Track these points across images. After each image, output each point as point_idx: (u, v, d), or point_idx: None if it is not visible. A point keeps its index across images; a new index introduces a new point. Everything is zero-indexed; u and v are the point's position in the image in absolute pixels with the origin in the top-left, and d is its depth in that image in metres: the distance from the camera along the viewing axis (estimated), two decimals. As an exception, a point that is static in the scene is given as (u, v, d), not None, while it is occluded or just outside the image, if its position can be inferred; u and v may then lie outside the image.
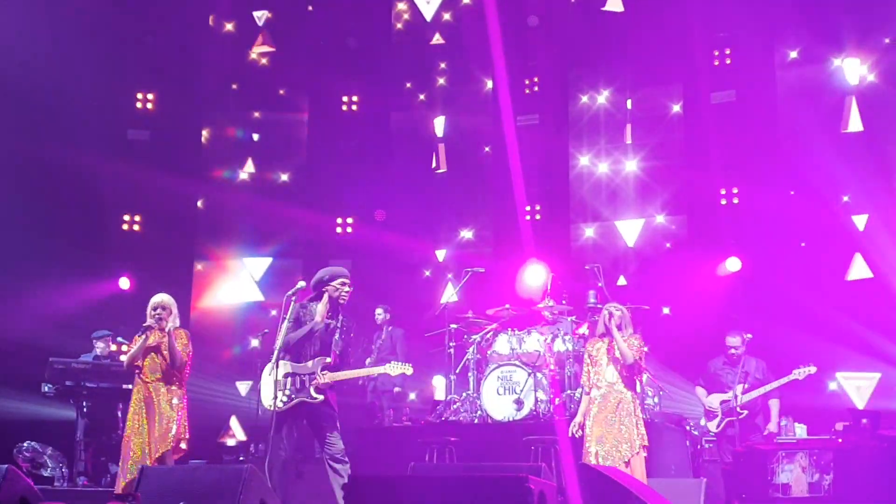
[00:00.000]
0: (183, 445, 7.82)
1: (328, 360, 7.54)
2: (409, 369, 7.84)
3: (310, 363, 7.55)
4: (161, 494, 6.65)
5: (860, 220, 12.59)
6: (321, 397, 7.51)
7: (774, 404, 9.69)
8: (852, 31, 12.78)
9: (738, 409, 9.50)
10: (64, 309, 12.20)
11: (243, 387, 14.27)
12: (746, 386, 9.60)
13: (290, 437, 7.63)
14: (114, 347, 11.14)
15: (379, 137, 14.86)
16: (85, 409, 10.31)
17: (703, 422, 9.98)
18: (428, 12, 14.83)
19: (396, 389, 11.55)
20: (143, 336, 7.74)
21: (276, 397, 7.47)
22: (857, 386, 12.21)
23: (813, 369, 9.32)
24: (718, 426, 9.71)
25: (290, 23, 14.76)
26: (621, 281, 13.42)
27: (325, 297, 7.64)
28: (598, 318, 8.04)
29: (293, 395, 7.53)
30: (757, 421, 9.72)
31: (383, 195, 14.43)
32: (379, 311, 11.88)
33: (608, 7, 13.39)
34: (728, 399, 9.62)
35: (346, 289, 7.68)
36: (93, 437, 10.31)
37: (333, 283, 7.67)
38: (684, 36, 13.17)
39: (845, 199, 12.76)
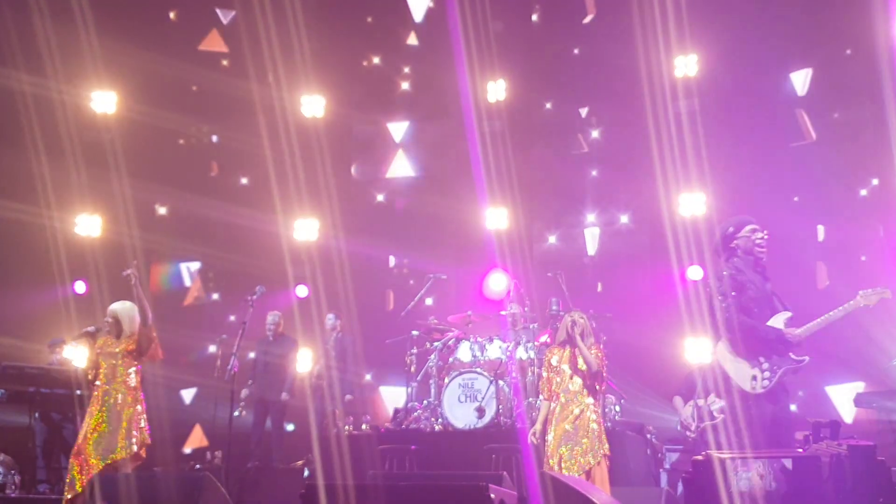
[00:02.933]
0: (142, 453, 7.68)
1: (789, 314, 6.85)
2: None
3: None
4: (116, 502, 6.54)
5: (820, 230, 12.78)
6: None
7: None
8: (813, 41, 13.00)
9: (716, 414, 9.54)
10: (17, 313, 11.98)
11: (188, 395, 14.09)
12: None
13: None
14: (68, 353, 10.93)
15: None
16: (37, 415, 10.10)
17: (679, 427, 10.00)
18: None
19: (348, 397, 11.39)
20: (88, 343, 7.64)
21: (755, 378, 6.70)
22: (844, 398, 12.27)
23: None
24: (694, 432, 9.73)
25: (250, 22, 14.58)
26: (583, 288, 13.44)
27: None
28: (559, 326, 8.01)
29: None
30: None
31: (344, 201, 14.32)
32: (329, 316, 11.72)
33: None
34: (701, 405, 9.65)
35: (759, 235, 6.98)
36: (53, 443, 10.10)
37: (743, 233, 7.01)
38: (646, 44, 13.25)
39: (807, 208, 12.94)
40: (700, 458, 8.26)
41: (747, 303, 6.85)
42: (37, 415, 10.12)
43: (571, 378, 7.55)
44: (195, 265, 15.16)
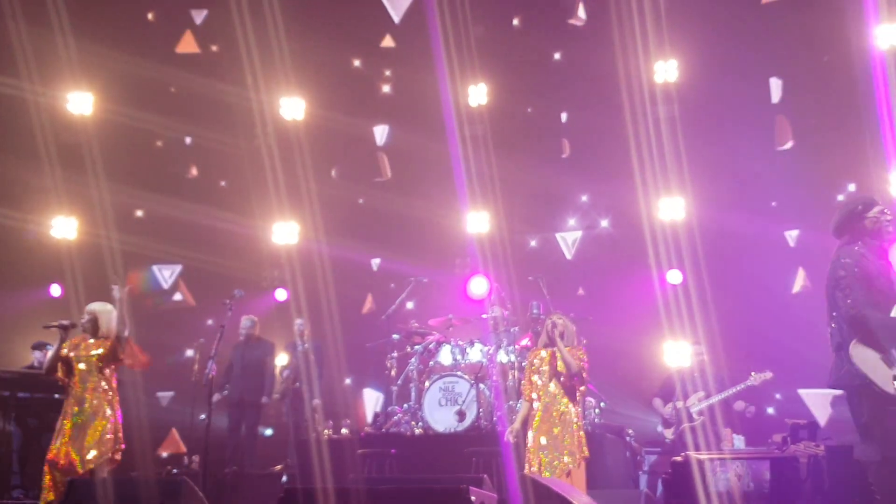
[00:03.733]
0: (117, 457, 7.58)
1: None
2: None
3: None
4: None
5: (795, 235, 12.89)
6: None
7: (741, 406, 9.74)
8: (786, 49, 13.11)
9: (696, 416, 9.57)
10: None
11: (165, 398, 13.98)
12: (703, 394, 9.69)
13: None
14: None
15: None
16: (14, 420, 9.94)
17: (659, 429, 10.03)
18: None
19: (315, 402, 11.29)
20: (60, 335, 7.53)
21: None
22: (816, 402, 12.36)
23: (769, 375, 9.42)
24: (674, 434, 9.76)
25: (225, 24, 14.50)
26: (564, 292, 13.46)
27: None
28: (540, 329, 8.00)
29: None
30: (719, 429, 9.77)
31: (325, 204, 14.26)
32: (298, 321, 11.60)
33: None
34: (680, 407, 9.69)
35: (889, 217, 6.11)
36: (29, 448, 9.95)
37: (872, 213, 6.12)
38: (625, 50, 13.30)
39: (784, 213, 13.07)
40: (679, 459, 8.30)
41: (876, 294, 5.94)
42: (14, 419, 9.96)
43: (552, 380, 7.52)
44: (177, 268, 15.01)
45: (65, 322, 7.64)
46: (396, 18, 14.69)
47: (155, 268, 14.86)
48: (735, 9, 13.30)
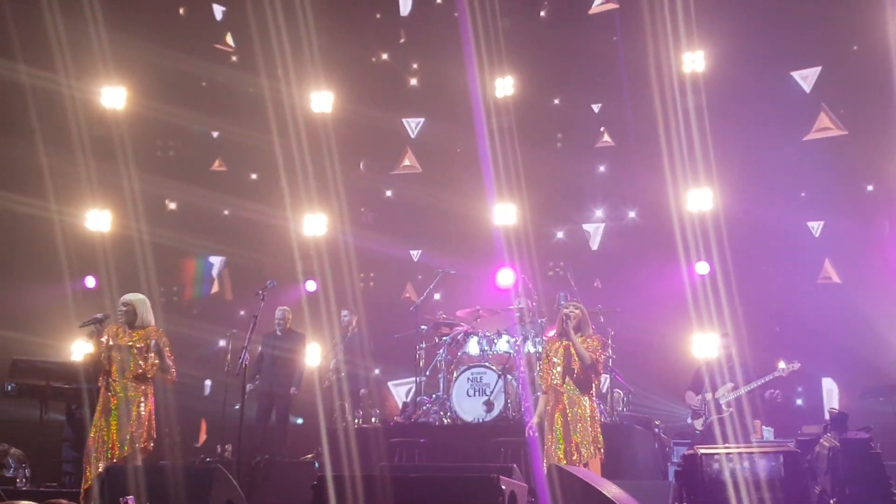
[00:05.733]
0: (150, 446, 7.72)
1: None
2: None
3: None
4: (128, 495, 6.58)
5: (822, 226, 12.85)
6: None
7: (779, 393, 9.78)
8: (820, 38, 13.03)
9: (724, 407, 9.59)
10: (28, 308, 12.05)
11: (199, 389, 14.16)
12: (731, 386, 9.70)
13: None
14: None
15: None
16: (46, 410, 10.13)
17: (689, 420, 10.05)
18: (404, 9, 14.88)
19: (363, 391, 11.44)
20: (95, 331, 7.65)
21: None
22: (828, 389, 12.40)
23: (797, 365, 9.41)
24: (703, 425, 9.78)
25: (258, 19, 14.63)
26: (593, 283, 13.49)
27: None
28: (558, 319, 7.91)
29: None
30: (749, 421, 9.77)
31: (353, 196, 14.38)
32: (344, 312, 11.74)
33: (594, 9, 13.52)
34: (709, 399, 9.71)
35: None
36: (60, 437, 10.15)
37: None
38: (656, 40, 13.27)
39: (812, 204, 13.02)
40: (690, 452, 8.33)
41: None
42: (46, 409, 10.14)
43: (565, 371, 7.41)
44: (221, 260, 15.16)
45: (98, 316, 7.76)
46: (427, 14, 14.77)
47: (210, 258, 15.01)
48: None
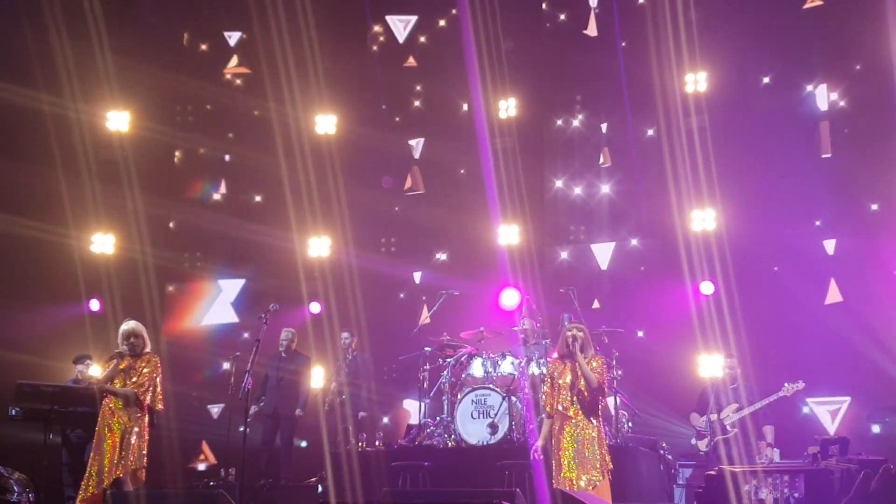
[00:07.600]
0: (141, 475, 7.75)
1: None
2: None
3: None
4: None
5: (830, 245, 12.80)
6: None
7: (769, 431, 9.68)
8: (823, 57, 13.05)
9: (729, 428, 9.55)
10: (35, 331, 12.06)
11: (215, 410, 14.14)
12: (736, 406, 9.67)
13: None
14: (94, 371, 10.96)
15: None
16: (49, 435, 10.10)
17: (693, 441, 10.00)
18: (401, 35, 14.93)
19: (362, 415, 11.37)
20: (115, 362, 7.73)
21: None
22: (827, 410, 12.35)
23: (801, 385, 9.42)
24: (707, 446, 9.73)
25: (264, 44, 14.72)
26: (595, 304, 13.46)
27: None
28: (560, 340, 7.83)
29: None
30: (753, 441, 9.70)
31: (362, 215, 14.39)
32: (344, 335, 11.70)
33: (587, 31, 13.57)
34: (713, 420, 9.67)
35: None
36: (76, 461, 10.13)
37: None
38: (659, 61, 13.30)
39: (817, 223, 13.01)
40: (713, 472, 8.28)
41: None
42: (56, 432, 10.12)
43: (571, 393, 7.35)
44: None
45: (121, 351, 7.92)
46: (429, 37, 14.85)
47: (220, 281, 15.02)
48: (764, 18, 13.24)
